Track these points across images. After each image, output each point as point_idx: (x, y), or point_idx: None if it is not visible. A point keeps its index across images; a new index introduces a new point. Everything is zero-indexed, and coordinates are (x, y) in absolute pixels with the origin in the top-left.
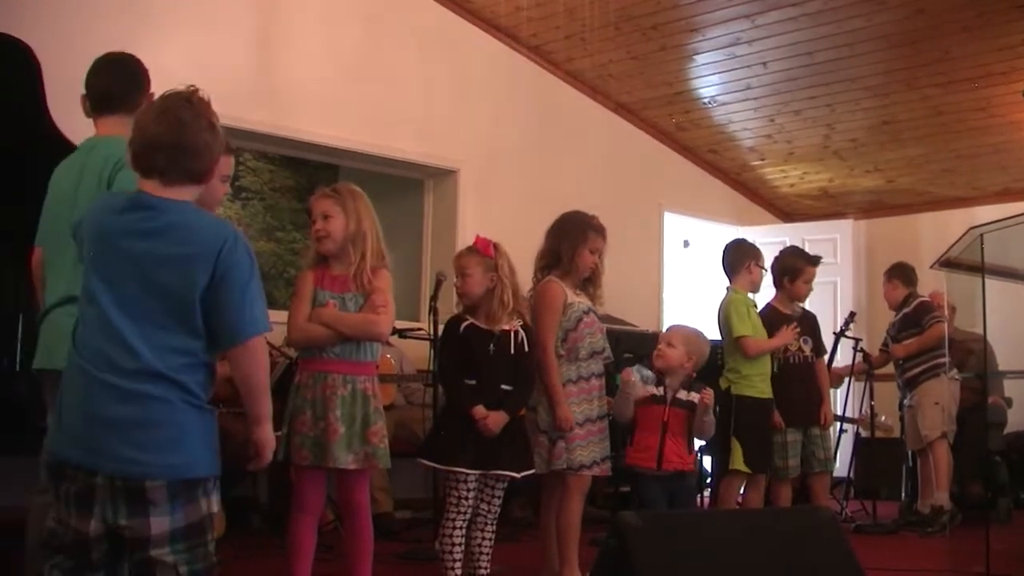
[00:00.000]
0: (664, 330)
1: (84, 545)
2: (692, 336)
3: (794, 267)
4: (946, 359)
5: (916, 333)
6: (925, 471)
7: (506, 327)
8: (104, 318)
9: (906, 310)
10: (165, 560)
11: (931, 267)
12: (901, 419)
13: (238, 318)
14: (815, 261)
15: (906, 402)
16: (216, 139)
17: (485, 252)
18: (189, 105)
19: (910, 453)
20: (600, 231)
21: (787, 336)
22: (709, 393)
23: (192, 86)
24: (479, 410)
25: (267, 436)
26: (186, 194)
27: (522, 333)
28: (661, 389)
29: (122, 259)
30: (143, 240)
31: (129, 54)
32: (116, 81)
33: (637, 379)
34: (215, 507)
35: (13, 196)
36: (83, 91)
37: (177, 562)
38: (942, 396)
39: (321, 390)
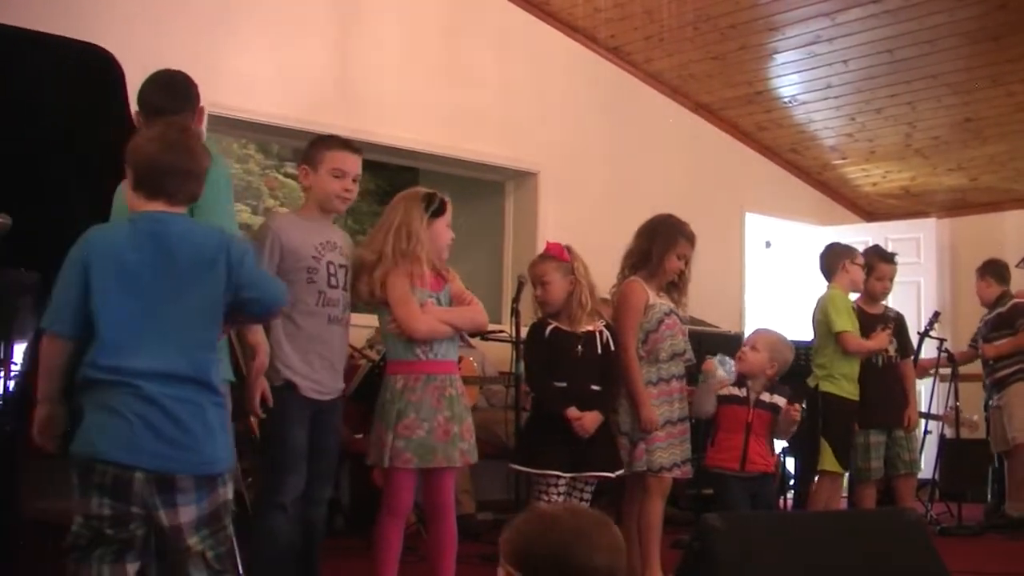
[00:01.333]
0: (749, 333)
1: (125, 526)
2: (777, 342)
3: (869, 264)
4: None
5: (1009, 334)
6: (1012, 474)
7: (590, 328)
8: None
9: (1000, 310)
10: (194, 548)
11: (1016, 266)
12: (987, 420)
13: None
14: (889, 258)
15: (992, 403)
16: None
17: (561, 257)
18: (190, 135)
19: (996, 455)
20: (691, 239)
21: (883, 340)
22: (798, 408)
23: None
24: (573, 411)
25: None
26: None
27: (607, 333)
28: (744, 390)
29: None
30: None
31: (180, 71)
32: (169, 98)
33: (720, 371)
34: (230, 494)
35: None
36: (135, 107)
37: (204, 548)
38: None
39: (430, 392)
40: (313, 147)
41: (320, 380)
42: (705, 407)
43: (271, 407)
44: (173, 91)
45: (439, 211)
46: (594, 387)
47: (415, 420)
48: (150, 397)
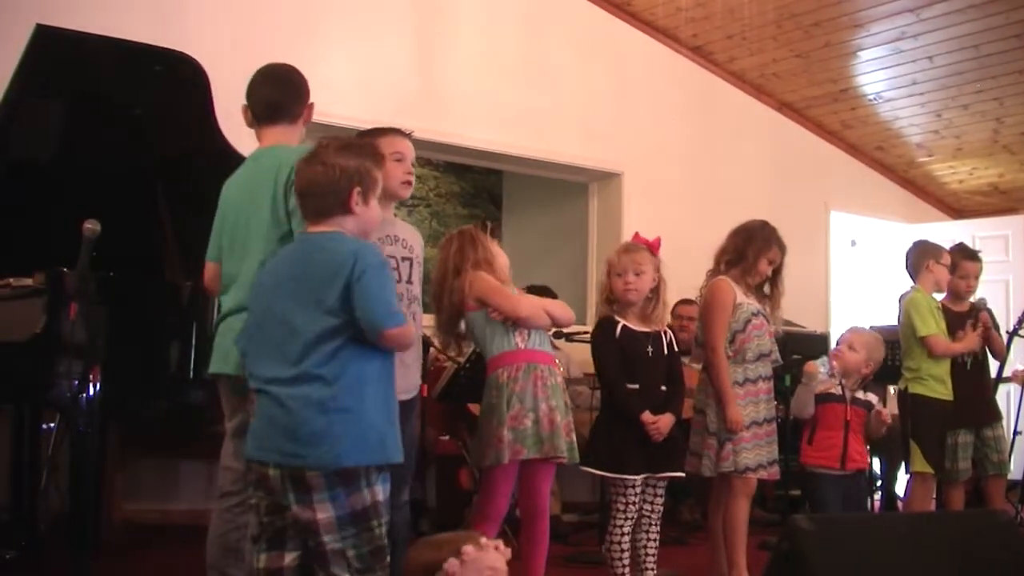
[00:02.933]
0: (834, 332)
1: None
2: (873, 341)
3: (952, 262)
4: None
5: None
6: None
7: (657, 327)
8: None
9: None
10: (330, 546)
11: None
12: None
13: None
14: (972, 255)
15: None
16: None
17: (655, 251)
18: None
19: None
20: (783, 248)
21: (972, 341)
22: (887, 413)
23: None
24: (648, 416)
25: None
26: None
27: (671, 333)
28: (839, 388)
29: None
30: None
31: (291, 65)
32: (283, 92)
33: (822, 372)
34: (380, 495)
35: (190, 209)
36: (244, 102)
37: (345, 547)
38: None
39: (532, 380)
40: (365, 138)
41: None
42: (808, 408)
43: None
44: (286, 84)
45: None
46: (663, 388)
47: (521, 410)
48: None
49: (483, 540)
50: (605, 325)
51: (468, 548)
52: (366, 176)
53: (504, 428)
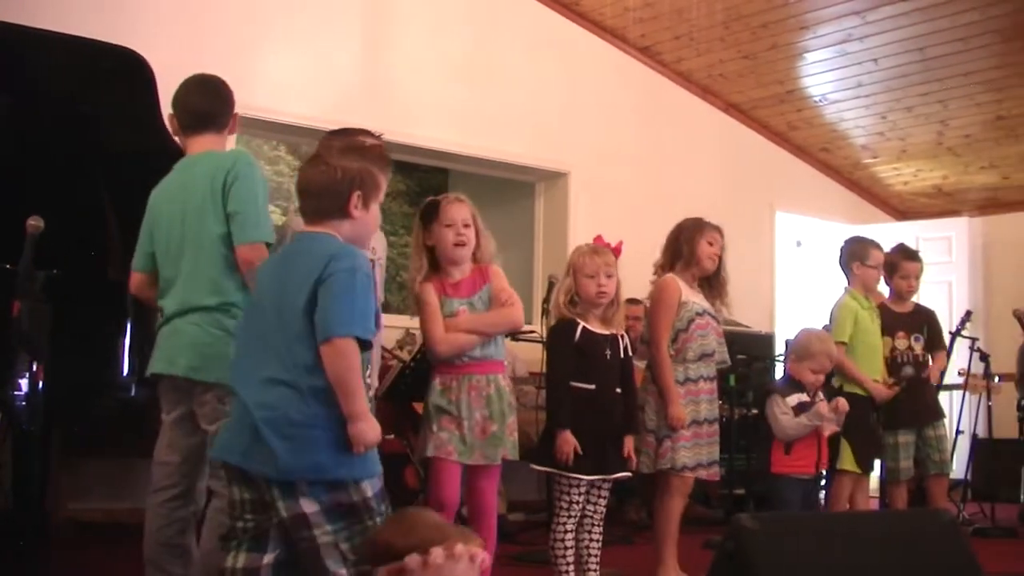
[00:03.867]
0: (798, 333)
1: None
2: (830, 339)
3: (891, 263)
4: None
5: None
6: None
7: (615, 330)
8: None
9: None
10: (321, 540)
11: None
12: (1020, 421)
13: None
14: (912, 256)
15: None
16: None
17: (618, 254)
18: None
19: None
20: (716, 227)
21: (881, 392)
22: (843, 402)
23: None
24: (565, 437)
25: (359, 431)
26: None
27: (627, 336)
28: (807, 396)
29: None
30: None
31: (217, 76)
32: (210, 102)
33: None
34: (369, 491)
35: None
36: (170, 111)
37: (337, 540)
38: None
39: (468, 391)
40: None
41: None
42: (799, 435)
43: None
44: (213, 94)
45: (429, 215)
46: (617, 390)
47: (456, 418)
48: None
49: (460, 548)
50: (564, 327)
51: (436, 551)
52: (368, 180)
53: (434, 425)
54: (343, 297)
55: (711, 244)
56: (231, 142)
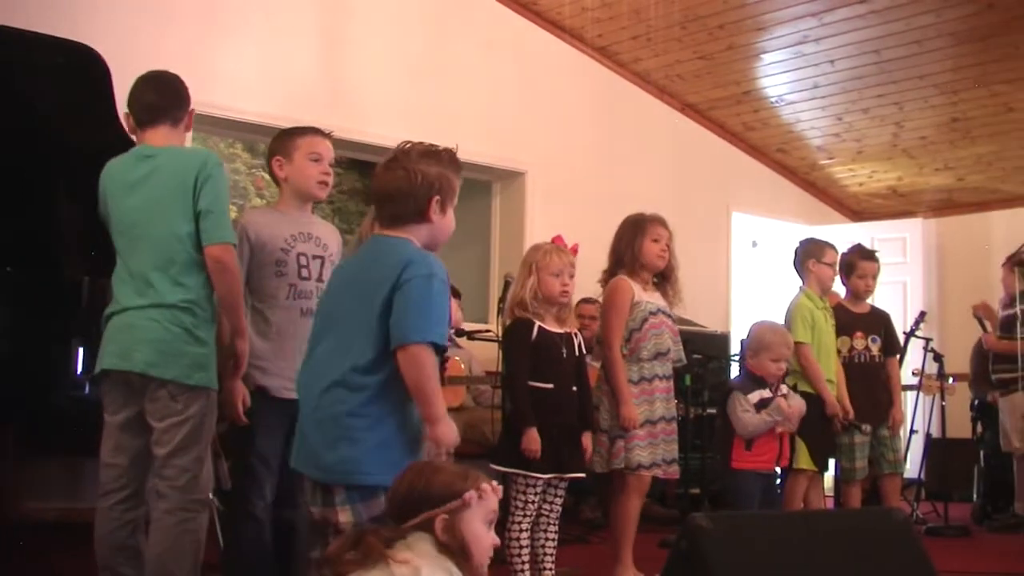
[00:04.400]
0: (752, 326)
1: None
2: (784, 329)
3: (848, 263)
4: None
5: (1011, 337)
6: (1021, 475)
7: (569, 329)
8: None
9: (1011, 311)
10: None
11: (1003, 266)
12: (973, 420)
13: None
14: (869, 255)
15: (1000, 405)
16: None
17: (575, 254)
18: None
19: (982, 454)
20: (657, 220)
21: (833, 403)
22: (802, 403)
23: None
24: (530, 437)
25: (440, 433)
26: None
27: (580, 335)
28: (769, 391)
29: None
30: None
31: (172, 72)
32: (163, 95)
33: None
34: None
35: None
36: (125, 109)
37: None
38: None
39: None
40: (284, 136)
41: (294, 377)
42: (760, 431)
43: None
44: (167, 91)
45: None
46: (574, 388)
47: None
48: None
49: (493, 482)
50: (521, 326)
51: (486, 485)
52: (446, 185)
53: None
54: (420, 304)
55: (656, 241)
56: (187, 141)
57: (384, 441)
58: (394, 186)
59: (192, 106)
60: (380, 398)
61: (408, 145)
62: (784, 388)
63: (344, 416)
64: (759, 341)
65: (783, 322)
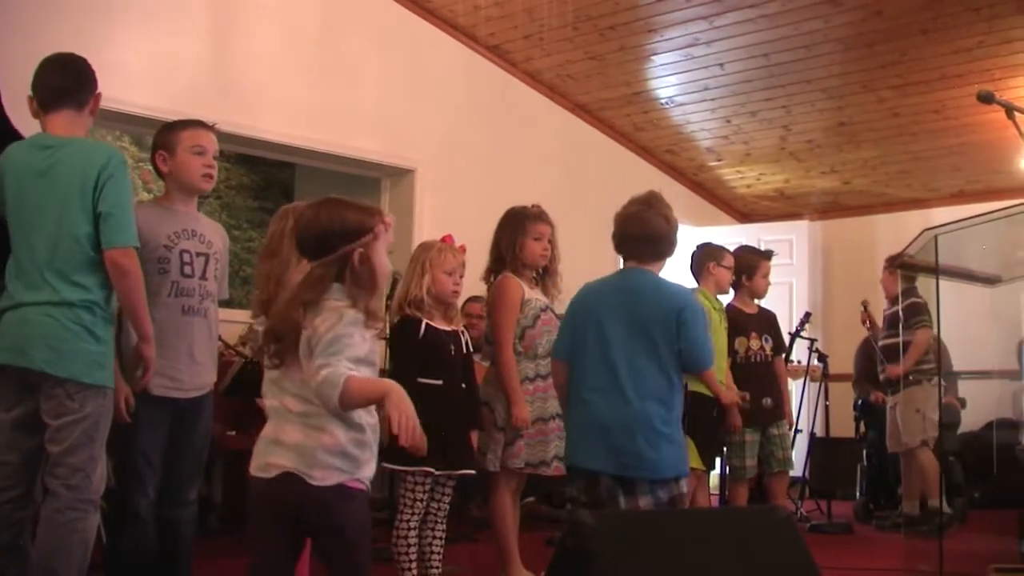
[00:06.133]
0: None
1: None
2: None
3: (749, 263)
4: (931, 364)
5: (895, 334)
6: (908, 473)
7: (457, 327)
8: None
9: (896, 308)
10: None
11: (885, 268)
12: (856, 420)
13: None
14: (768, 255)
15: (889, 404)
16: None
17: (463, 253)
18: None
19: (865, 452)
20: (539, 217)
21: (730, 397)
22: None
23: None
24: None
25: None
26: None
27: (467, 332)
28: None
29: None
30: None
31: (79, 56)
32: (69, 78)
33: None
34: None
35: None
36: (30, 92)
37: None
38: (925, 403)
39: None
40: (167, 130)
41: (177, 376)
42: None
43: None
44: (73, 71)
45: None
46: (463, 385)
47: None
48: None
49: (388, 216)
50: (408, 324)
51: (389, 218)
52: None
53: None
54: (702, 336)
55: (538, 239)
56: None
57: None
58: (657, 229)
59: (99, 90)
60: (677, 408)
61: (657, 194)
62: None
63: (660, 426)
64: None
65: None
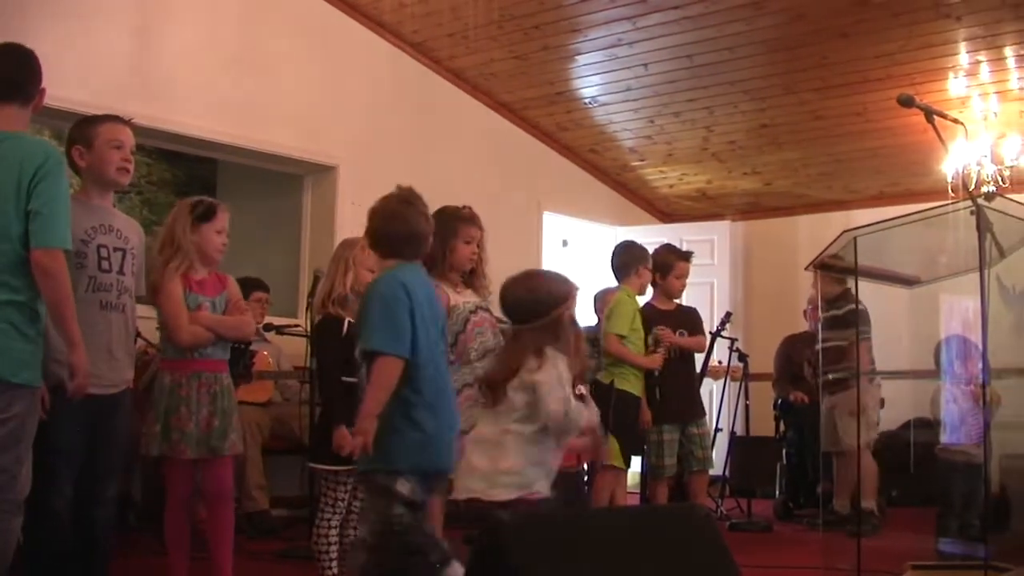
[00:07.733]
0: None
1: None
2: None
3: (665, 263)
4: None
5: (835, 337)
6: (841, 474)
7: None
8: None
9: (836, 312)
10: None
11: (806, 269)
12: (776, 419)
13: None
14: (686, 256)
15: (824, 406)
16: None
17: None
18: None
19: (784, 452)
20: (471, 219)
21: (655, 361)
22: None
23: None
24: (341, 435)
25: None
26: None
27: None
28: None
29: None
30: None
31: (26, 46)
32: (20, 71)
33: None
34: None
35: None
36: None
37: None
38: (865, 404)
39: (196, 388)
40: (84, 124)
41: (95, 372)
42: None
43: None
44: (24, 64)
45: (205, 216)
46: None
47: (186, 414)
48: None
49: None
50: (331, 323)
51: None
52: None
53: (158, 425)
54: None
55: (468, 243)
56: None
57: None
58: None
59: (44, 84)
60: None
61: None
62: (582, 389)
63: None
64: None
65: (597, 316)
